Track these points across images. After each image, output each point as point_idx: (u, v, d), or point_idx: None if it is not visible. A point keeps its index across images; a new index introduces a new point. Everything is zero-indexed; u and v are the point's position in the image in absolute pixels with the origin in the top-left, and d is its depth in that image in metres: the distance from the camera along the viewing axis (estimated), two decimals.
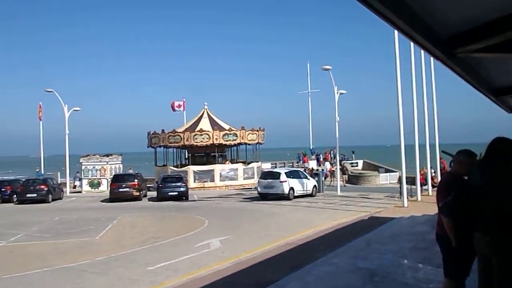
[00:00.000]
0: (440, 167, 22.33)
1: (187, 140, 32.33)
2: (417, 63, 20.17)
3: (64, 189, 29.15)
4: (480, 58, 4.34)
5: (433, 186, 21.48)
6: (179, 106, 40.12)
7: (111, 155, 33.10)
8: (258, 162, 35.02)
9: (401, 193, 18.98)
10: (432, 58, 20.21)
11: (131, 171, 29.71)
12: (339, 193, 24.72)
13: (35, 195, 24.62)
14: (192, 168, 31.84)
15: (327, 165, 40.24)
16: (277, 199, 21.82)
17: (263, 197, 22.82)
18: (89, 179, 31.83)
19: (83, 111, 38.80)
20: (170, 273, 8.73)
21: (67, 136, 31.83)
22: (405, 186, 18.26)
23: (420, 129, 20.02)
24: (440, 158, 23.03)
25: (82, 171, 32.04)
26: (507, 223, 3.34)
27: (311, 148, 46.17)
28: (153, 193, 26.28)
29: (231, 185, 31.64)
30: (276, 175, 22.79)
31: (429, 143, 21.81)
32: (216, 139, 32.34)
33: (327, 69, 25.49)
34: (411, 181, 19.84)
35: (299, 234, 12.70)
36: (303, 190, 23.21)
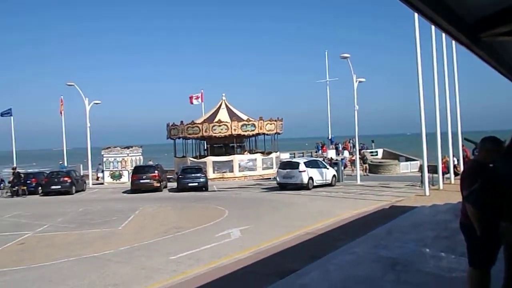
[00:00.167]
0: (463, 155, 21.90)
1: (205, 131, 32.51)
2: (438, 48, 19.67)
3: (86, 181, 29.78)
4: (505, 42, 4.21)
5: (455, 174, 21.11)
6: (197, 98, 40.34)
7: (132, 147, 33.59)
8: (276, 152, 35.01)
9: (422, 181, 18.71)
10: (454, 43, 19.76)
11: (151, 163, 30.12)
12: (358, 182, 24.54)
13: (59, 187, 25.25)
14: (211, 159, 32.06)
15: (346, 154, 39.97)
16: (296, 189, 21.81)
17: (282, 187, 22.84)
18: (111, 170, 32.42)
19: (104, 104, 39.29)
20: (191, 262, 8.86)
21: (88, 129, 32.42)
22: (426, 174, 17.96)
23: (441, 117, 19.63)
24: (463, 146, 22.58)
25: (104, 163, 32.63)
26: None
27: (330, 137, 45.82)
28: (173, 184, 26.60)
29: (250, 176, 31.75)
30: (295, 165, 22.74)
31: (451, 131, 21.37)
32: (235, 129, 32.42)
33: (346, 57, 25.16)
34: (432, 169, 19.50)
35: (319, 224, 12.68)
36: (322, 180, 23.12)
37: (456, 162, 22.22)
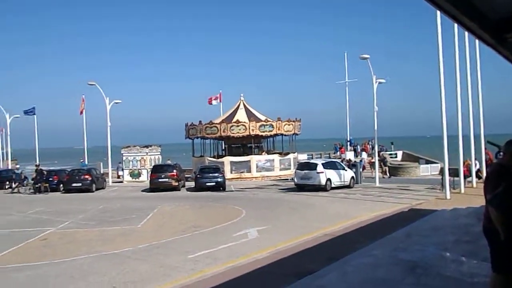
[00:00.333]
0: (486, 158, 21.43)
1: (223, 131, 32.66)
2: (461, 48, 19.29)
3: (106, 179, 30.27)
4: None
5: (478, 178, 20.68)
6: (216, 98, 40.59)
7: (151, 146, 33.97)
8: (294, 153, 34.92)
9: (443, 184, 18.38)
10: (477, 43, 19.36)
11: (169, 162, 30.41)
12: (377, 184, 24.27)
13: (80, 184, 25.74)
14: (229, 159, 32.17)
15: (364, 155, 39.54)
16: (314, 190, 21.70)
17: (299, 188, 22.76)
18: (130, 169, 32.87)
19: (124, 104, 39.88)
20: (209, 261, 8.91)
21: (109, 128, 32.96)
22: (447, 177, 17.65)
23: (463, 119, 19.25)
24: (485, 149, 22.09)
25: (123, 162, 33.10)
26: None
27: (349, 139, 45.41)
28: (191, 184, 26.80)
29: (267, 176, 31.75)
30: (313, 166, 22.63)
31: (473, 133, 20.95)
32: (253, 130, 32.47)
33: (365, 58, 24.92)
34: (453, 172, 19.14)
35: (336, 226, 12.60)
36: (341, 181, 22.95)
37: (478, 166, 21.77)
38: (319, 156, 41.57)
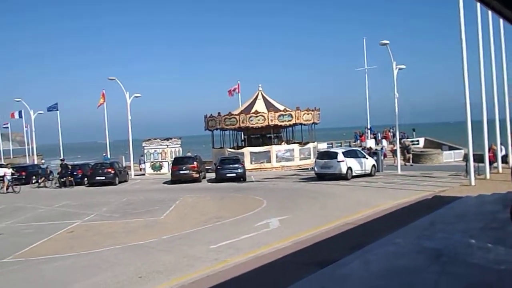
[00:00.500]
0: None
1: (242, 122, 32.68)
2: (484, 29, 18.63)
3: (129, 172, 30.78)
4: None
5: (504, 163, 20.18)
6: (234, 89, 40.61)
7: (171, 138, 34.29)
8: (314, 142, 34.73)
9: (467, 171, 17.99)
10: (502, 22, 18.67)
11: (190, 154, 30.66)
12: (399, 172, 23.95)
13: (103, 178, 26.25)
14: (248, 150, 32.24)
15: (384, 143, 39.03)
16: (335, 179, 21.57)
17: (320, 177, 22.66)
18: (151, 162, 33.32)
19: (143, 97, 40.35)
20: (232, 251, 8.99)
21: (129, 122, 33.39)
22: (472, 163, 17.24)
23: (488, 102, 18.71)
24: (511, 133, 21.50)
25: (145, 155, 33.56)
26: None
27: (369, 127, 44.86)
28: (212, 175, 27.00)
29: (287, 166, 31.71)
30: (333, 155, 22.47)
31: (498, 118, 20.37)
32: (271, 120, 32.40)
33: (385, 44, 24.43)
34: (478, 158, 18.69)
35: (358, 214, 12.51)
36: (362, 170, 22.73)
37: (504, 151, 21.21)
38: (339, 144, 41.30)
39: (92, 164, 29.49)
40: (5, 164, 38.38)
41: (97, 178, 26.32)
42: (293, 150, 32.85)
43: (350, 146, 38.29)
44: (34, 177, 29.98)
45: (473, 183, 16.66)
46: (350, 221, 11.58)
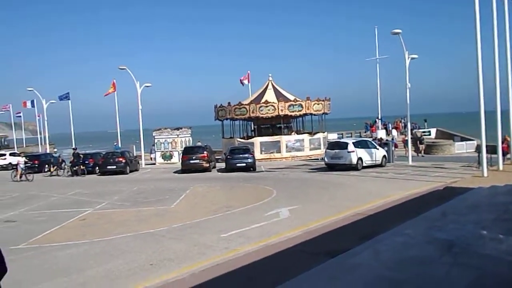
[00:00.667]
0: None
1: (252, 112, 32.65)
2: (500, 15, 18.17)
3: (139, 161, 31.01)
4: None
5: None
6: (245, 79, 40.49)
7: (181, 128, 34.41)
8: (324, 132, 34.60)
9: (479, 162, 17.80)
10: None
11: (200, 144, 30.78)
12: (410, 163, 23.79)
13: (114, 167, 26.51)
14: (258, 140, 32.25)
15: (394, 133, 38.75)
16: (345, 169, 21.52)
17: (330, 167, 22.61)
18: (162, 151, 33.52)
19: (154, 87, 40.48)
20: (242, 240, 9.05)
21: (140, 111, 33.55)
22: (485, 154, 17.02)
23: (502, 92, 18.35)
24: None
25: (156, 144, 33.75)
26: None
27: (380, 117, 44.50)
28: (222, 165, 27.09)
29: (297, 156, 31.68)
30: (344, 145, 22.38)
31: None
32: (282, 110, 32.32)
33: (397, 33, 24.10)
34: (491, 149, 18.46)
35: (368, 205, 12.48)
36: (372, 160, 22.63)
37: None
38: (349, 135, 41.11)
39: (104, 153, 29.75)
40: (18, 152, 39.01)
41: (108, 167, 26.59)
42: (303, 140, 32.78)
43: (360, 136, 38.09)
44: (46, 166, 30.36)
45: (485, 174, 16.45)
46: (360, 211, 11.56)
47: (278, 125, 33.68)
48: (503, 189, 11.46)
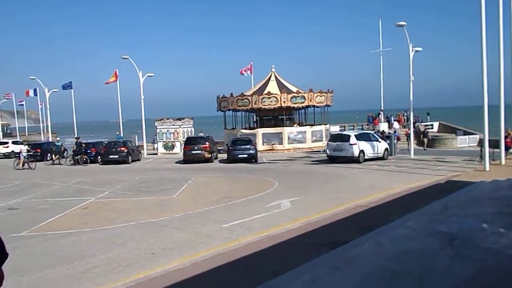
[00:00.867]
0: None
1: (255, 103, 32.59)
2: (506, 5, 17.98)
3: (142, 151, 31.07)
4: None
5: None
6: (246, 70, 40.37)
7: (183, 118, 34.41)
8: (326, 124, 34.55)
9: (482, 156, 17.77)
10: None
11: (202, 134, 30.79)
12: (412, 156, 23.78)
13: (116, 156, 26.58)
14: (260, 131, 32.23)
15: (396, 126, 38.64)
16: (347, 162, 21.52)
17: (332, 159, 22.62)
18: (164, 141, 33.56)
19: (156, 77, 40.36)
20: (243, 230, 9.08)
21: (142, 101, 33.52)
22: (487, 148, 16.98)
23: (506, 86, 18.22)
24: None
25: (158, 134, 33.79)
26: None
27: (383, 110, 44.36)
28: (223, 156, 27.12)
29: (299, 148, 31.68)
30: (346, 138, 22.36)
31: None
32: (284, 101, 32.25)
33: (402, 26, 23.93)
34: (494, 143, 18.41)
35: (370, 197, 12.50)
36: (374, 153, 22.61)
37: None
38: (352, 127, 41.02)
39: (106, 142, 29.80)
40: (20, 141, 39.10)
41: (111, 156, 26.65)
42: (305, 132, 32.75)
43: (362, 129, 38.03)
44: (48, 154, 30.45)
45: (487, 169, 16.43)
46: (362, 203, 11.57)
47: (280, 117, 33.64)
48: (505, 183, 11.43)
